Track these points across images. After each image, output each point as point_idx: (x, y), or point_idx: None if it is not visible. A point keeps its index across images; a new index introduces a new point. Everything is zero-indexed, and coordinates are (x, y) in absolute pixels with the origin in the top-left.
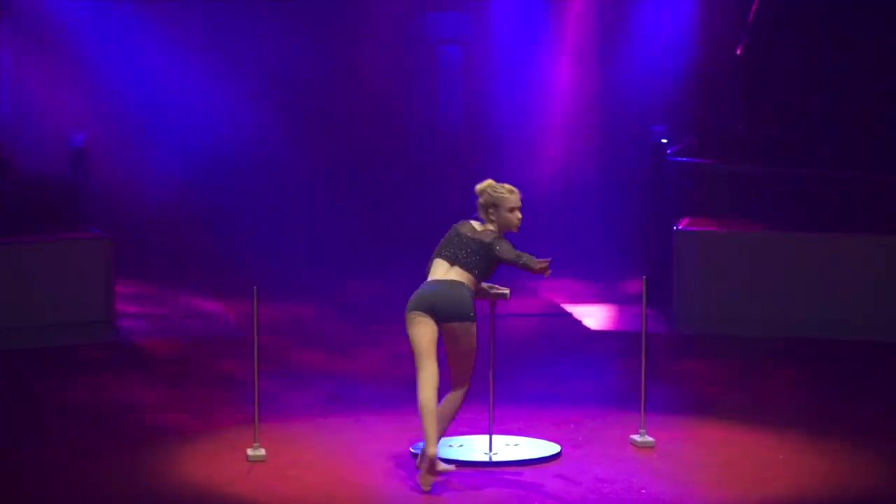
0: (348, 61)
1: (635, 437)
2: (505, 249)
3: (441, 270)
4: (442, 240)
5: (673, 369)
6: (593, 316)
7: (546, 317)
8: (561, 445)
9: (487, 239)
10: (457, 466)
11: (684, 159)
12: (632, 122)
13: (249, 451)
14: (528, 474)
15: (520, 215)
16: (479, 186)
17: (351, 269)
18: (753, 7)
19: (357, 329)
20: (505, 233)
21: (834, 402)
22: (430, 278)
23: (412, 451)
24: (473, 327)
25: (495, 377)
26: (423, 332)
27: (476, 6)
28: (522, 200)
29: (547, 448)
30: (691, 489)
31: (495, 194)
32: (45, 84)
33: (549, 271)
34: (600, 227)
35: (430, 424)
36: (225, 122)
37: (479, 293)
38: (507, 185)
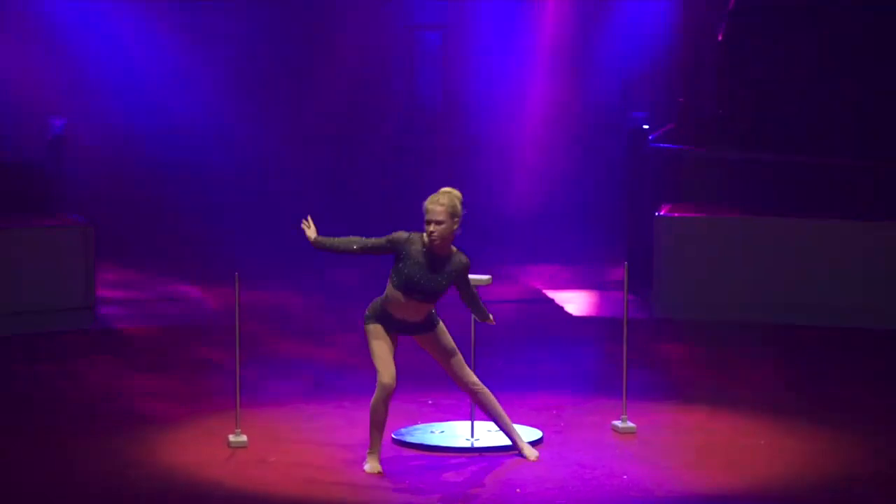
0: (326, 45)
1: (617, 422)
2: None
3: None
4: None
5: (654, 355)
6: (574, 302)
7: (527, 303)
8: (542, 431)
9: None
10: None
11: (665, 145)
12: (612, 107)
13: (231, 438)
14: (510, 460)
15: (429, 229)
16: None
17: (330, 255)
18: None
19: (338, 316)
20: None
21: (813, 386)
22: None
23: (394, 437)
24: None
25: (476, 363)
26: None
27: None
28: (431, 212)
29: (528, 434)
30: (673, 474)
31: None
32: (24, 71)
33: None
34: (581, 213)
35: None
36: (203, 108)
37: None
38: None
